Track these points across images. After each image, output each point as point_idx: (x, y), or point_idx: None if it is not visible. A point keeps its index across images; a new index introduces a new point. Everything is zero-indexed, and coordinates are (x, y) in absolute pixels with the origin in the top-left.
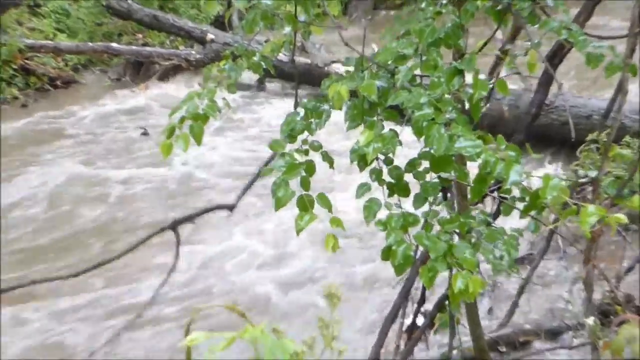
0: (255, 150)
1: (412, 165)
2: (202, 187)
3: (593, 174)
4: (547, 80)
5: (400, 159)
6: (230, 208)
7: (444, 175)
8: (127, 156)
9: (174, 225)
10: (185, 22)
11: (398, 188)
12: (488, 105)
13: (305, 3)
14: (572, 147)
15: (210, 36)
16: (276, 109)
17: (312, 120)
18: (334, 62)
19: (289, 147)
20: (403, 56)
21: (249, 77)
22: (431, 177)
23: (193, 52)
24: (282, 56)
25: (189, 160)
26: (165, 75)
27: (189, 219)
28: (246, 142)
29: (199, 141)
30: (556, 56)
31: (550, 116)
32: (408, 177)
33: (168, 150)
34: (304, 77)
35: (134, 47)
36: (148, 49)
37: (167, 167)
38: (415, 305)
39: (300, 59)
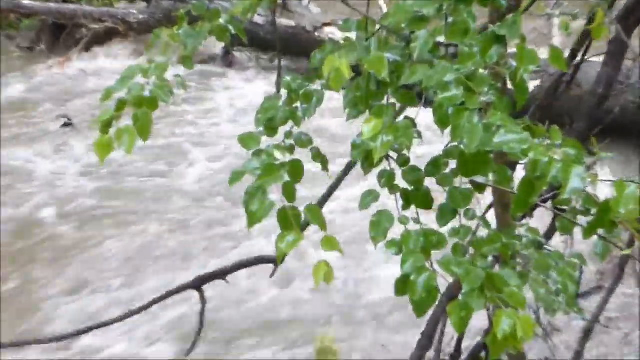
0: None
1: (435, 165)
2: None
3: None
4: (618, 49)
5: (419, 158)
6: (274, 262)
7: (478, 179)
8: (45, 158)
9: (199, 284)
10: None
11: (416, 197)
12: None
13: None
14: None
15: None
16: (245, 90)
17: (298, 105)
18: (326, 24)
19: (267, 142)
20: (422, 17)
21: (212, 43)
22: (461, 182)
23: (134, 11)
24: (258, 17)
25: None
26: (96, 43)
27: (219, 275)
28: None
29: (145, 135)
30: (631, 15)
31: (624, 98)
32: (430, 182)
33: (106, 151)
34: (287, 45)
35: (52, 5)
36: (71, 6)
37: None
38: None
39: (282, 21)
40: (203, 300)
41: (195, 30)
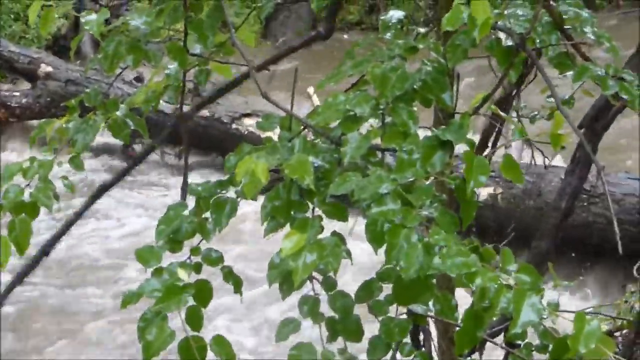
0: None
1: (367, 290)
2: None
3: None
4: (584, 156)
5: (350, 278)
6: None
7: (416, 309)
8: None
9: None
10: (4, 45)
11: (344, 328)
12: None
13: (200, 27)
14: (631, 261)
15: (45, 69)
16: (148, 195)
17: (209, 215)
18: (246, 115)
19: (169, 259)
20: (354, 117)
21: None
22: (397, 310)
23: (16, 93)
24: (164, 104)
25: None
26: None
27: None
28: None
29: (23, 247)
30: (599, 119)
31: (592, 210)
32: (361, 310)
33: None
34: (199, 139)
35: None
36: None
37: None
38: None
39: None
40: None
41: (87, 123)
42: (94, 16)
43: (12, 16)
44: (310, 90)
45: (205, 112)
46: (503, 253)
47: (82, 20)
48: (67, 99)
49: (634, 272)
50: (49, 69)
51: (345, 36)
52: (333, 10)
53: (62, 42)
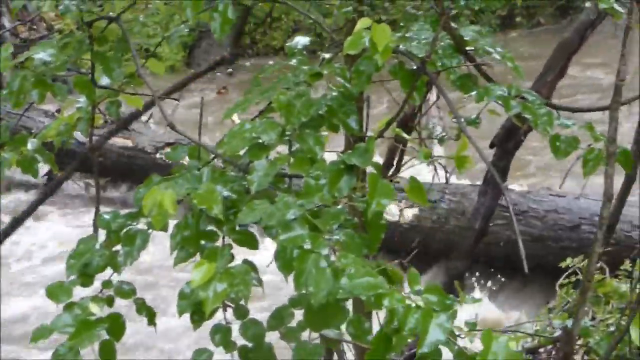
0: None
1: (278, 318)
2: None
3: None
4: (498, 176)
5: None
6: None
7: (329, 333)
8: None
9: None
10: None
11: (256, 356)
12: None
13: (105, 60)
14: (554, 277)
15: None
16: (65, 228)
17: (120, 248)
18: (169, 144)
19: (81, 293)
20: (261, 145)
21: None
22: (310, 336)
23: None
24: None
25: None
26: None
27: None
28: None
29: None
30: (510, 138)
31: (518, 226)
32: (273, 337)
33: None
34: (123, 170)
35: None
36: None
37: None
38: None
39: (117, 140)
40: None
41: None
42: None
43: None
44: (235, 117)
45: (128, 143)
46: (409, 274)
47: None
48: None
49: (556, 287)
50: None
51: (271, 62)
52: (236, 36)
53: None
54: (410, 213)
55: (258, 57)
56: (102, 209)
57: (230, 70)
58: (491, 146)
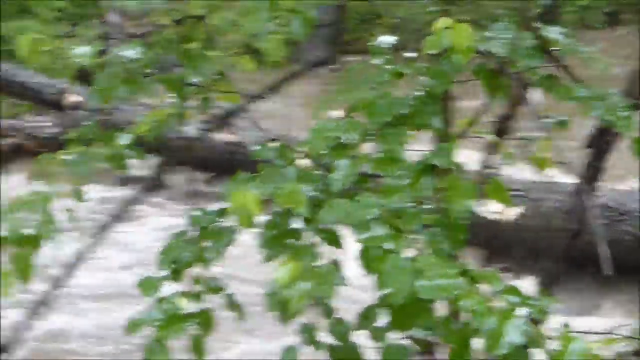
0: None
1: (366, 317)
2: None
3: None
4: (593, 174)
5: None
6: None
7: (415, 334)
8: None
9: None
10: (27, 74)
11: (343, 354)
12: None
13: (192, 58)
14: None
15: (71, 98)
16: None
17: (208, 244)
18: (272, 140)
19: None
20: (344, 145)
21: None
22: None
23: (44, 123)
24: (191, 129)
25: None
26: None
27: None
28: None
29: (25, 278)
30: (602, 138)
31: (620, 227)
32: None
33: None
34: (225, 166)
35: None
36: None
37: None
38: None
39: (221, 136)
40: None
41: (88, 155)
42: (86, 48)
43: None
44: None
45: (232, 138)
46: (489, 275)
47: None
48: None
49: None
50: (78, 98)
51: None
52: (335, 33)
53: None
54: (512, 212)
55: (365, 54)
56: (207, 204)
57: (336, 66)
58: (587, 146)
